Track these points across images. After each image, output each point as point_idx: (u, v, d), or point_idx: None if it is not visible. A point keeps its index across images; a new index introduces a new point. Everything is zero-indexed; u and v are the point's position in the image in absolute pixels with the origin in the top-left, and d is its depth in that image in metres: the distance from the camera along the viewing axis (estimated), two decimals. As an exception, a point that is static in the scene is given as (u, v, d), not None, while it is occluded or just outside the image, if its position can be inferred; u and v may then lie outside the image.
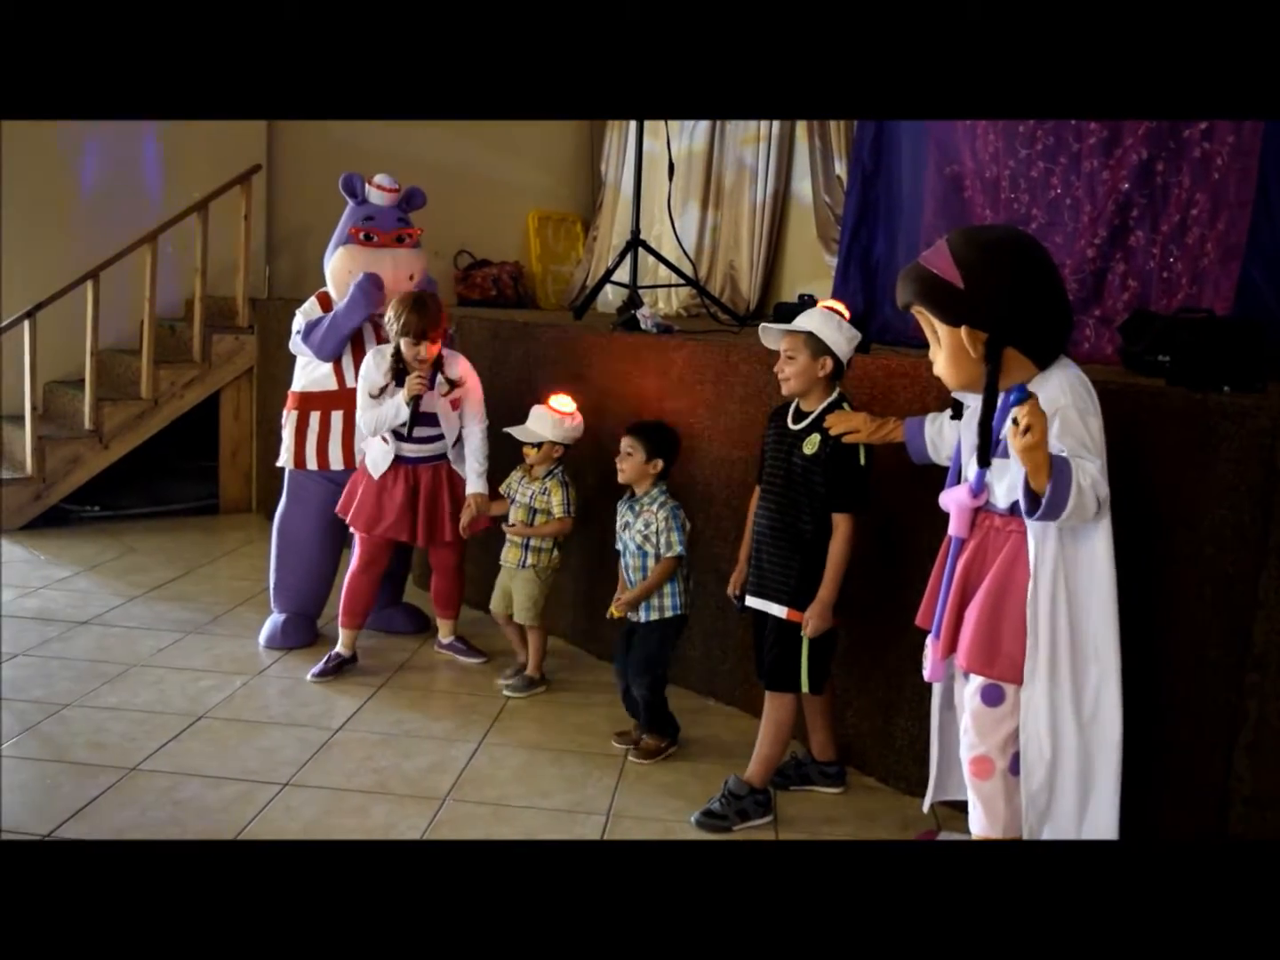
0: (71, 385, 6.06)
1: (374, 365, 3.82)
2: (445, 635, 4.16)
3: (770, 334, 2.96)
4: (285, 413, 4.19)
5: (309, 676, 3.84)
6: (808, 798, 3.13)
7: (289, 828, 2.84)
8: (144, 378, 5.91)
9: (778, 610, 2.92)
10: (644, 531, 3.28)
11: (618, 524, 3.39)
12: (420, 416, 3.80)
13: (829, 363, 2.88)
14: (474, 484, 3.88)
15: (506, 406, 3.98)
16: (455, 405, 3.86)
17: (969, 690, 2.36)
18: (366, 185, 4.09)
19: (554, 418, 3.71)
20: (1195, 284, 3.49)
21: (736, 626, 3.52)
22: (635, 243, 4.81)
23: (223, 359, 6.20)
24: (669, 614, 3.30)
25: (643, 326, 4.24)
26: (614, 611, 3.34)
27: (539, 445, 3.73)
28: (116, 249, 5.69)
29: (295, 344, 4.11)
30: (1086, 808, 2.25)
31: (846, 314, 2.96)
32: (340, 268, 4.05)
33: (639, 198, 4.88)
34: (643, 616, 3.31)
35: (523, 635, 3.87)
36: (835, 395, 2.93)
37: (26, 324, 5.48)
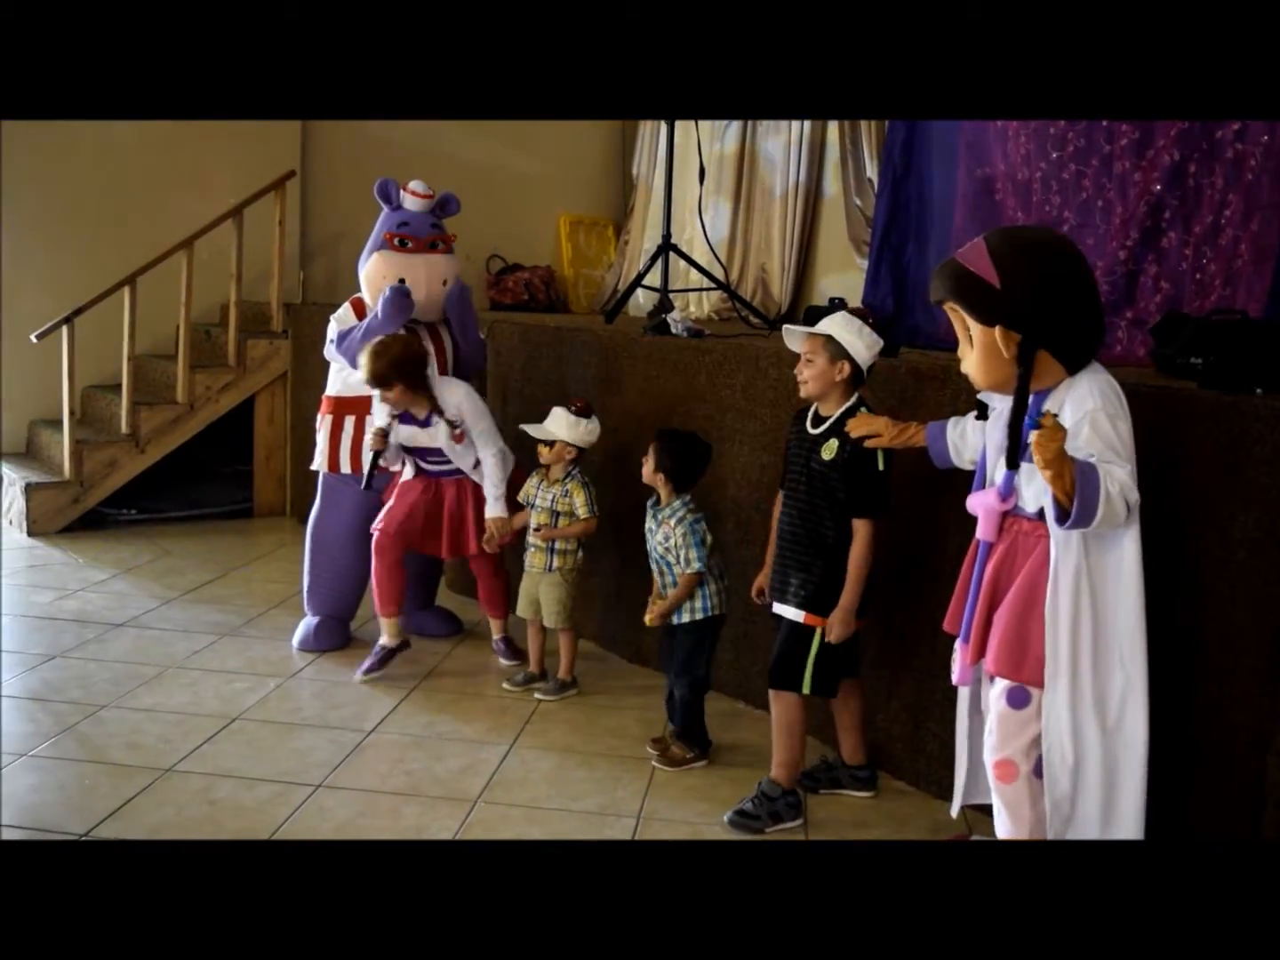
0: (109, 390, 6.14)
1: (376, 408, 3.91)
2: (495, 633, 4.17)
3: (793, 336, 2.97)
4: (319, 417, 4.23)
5: (357, 676, 3.86)
6: (838, 801, 3.13)
7: (322, 828, 2.86)
8: (180, 382, 5.97)
9: (794, 614, 2.94)
10: (664, 544, 3.32)
11: (646, 526, 3.42)
12: (426, 452, 3.91)
13: (846, 367, 2.88)
14: (492, 508, 3.90)
15: (536, 411, 3.99)
16: (460, 439, 3.88)
17: (994, 693, 2.35)
18: (401, 191, 4.12)
19: (570, 419, 3.73)
20: (1228, 286, 3.47)
21: (766, 630, 3.52)
22: (666, 247, 4.82)
23: (257, 364, 6.25)
24: (699, 615, 3.30)
25: (673, 330, 4.25)
26: (648, 621, 3.36)
27: (552, 445, 3.74)
28: (153, 255, 5.75)
29: (329, 350, 4.15)
30: (1111, 813, 2.23)
31: (870, 319, 2.96)
32: (374, 273, 4.09)
33: (670, 201, 4.89)
34: (676, 619, 3.32)
35: (543, 641, 3.89)
36: (854, 400, 2.92)
37: (65, 329, 5.55)
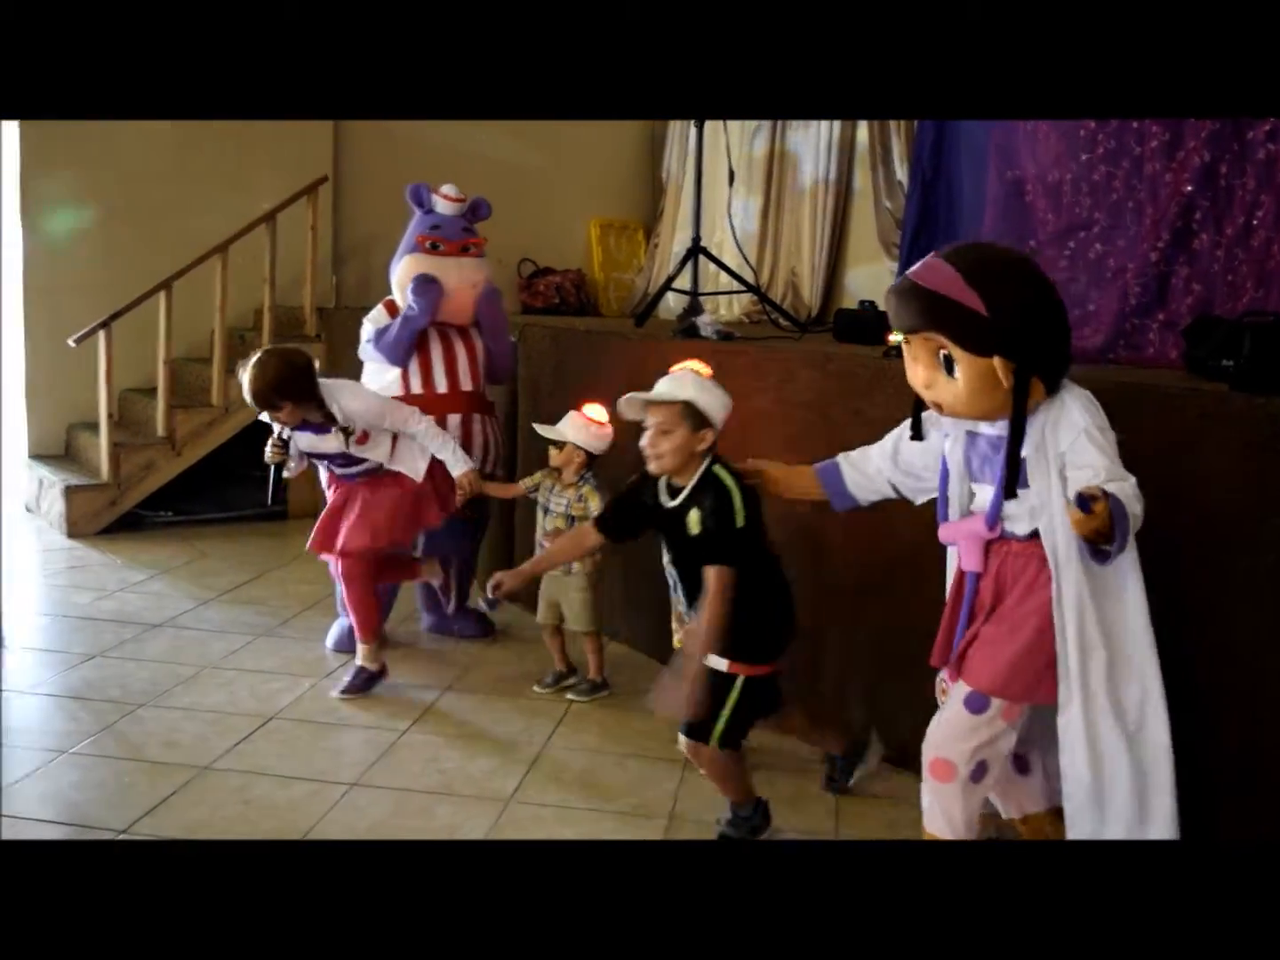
0: (146, 393, 6.20)
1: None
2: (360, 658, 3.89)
3: (634, 405, 2.74)
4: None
5: (334, 693, 3.78)
6: (874, 808, 3.13)
7: (356, 827, 2.90)
8: (215, 386, 6.04)
9: (718, 662, 2.71)
10: None
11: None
12: (342, 459, 3.79)
13: (709, 435, 2.68)
14: (458, 465, 3.82)
15: (570, 409, 4.00)
16: (365, 438, 3.76)
17: (954, 695, 2.31)
18: (433, 195, 4.17)
19: (582, 423, 3.74)
20: (1261, 287, 3.45)
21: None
22: (696, 250, 4.84)
23: (291, 367, 6.29)
24: None
25: (703, 333, 4.27)
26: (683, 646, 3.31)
27: (562, 447, 3.75)
28: (187, 259, 5.82)
29: (365, 351, 4.19)
30: (1146, 814, 2.23)
31: (709, 372, 2.78)
32: (406, 275, 4.13)
33: (700, 204, 4.91)
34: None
35: (562, 642, 3.90)
36: (708, 463, 2.71)
37: (102, 334, 5.62)
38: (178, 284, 5.76)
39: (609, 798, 3.12)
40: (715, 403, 2.70)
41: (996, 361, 2.13)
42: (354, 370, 4.44)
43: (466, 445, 4.09)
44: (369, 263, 6.81)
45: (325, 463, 3.88)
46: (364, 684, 3.82)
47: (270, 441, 3.69)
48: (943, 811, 2.32)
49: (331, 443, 3.72)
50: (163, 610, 4.58)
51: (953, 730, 2.30)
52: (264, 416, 3.71)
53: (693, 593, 2.74)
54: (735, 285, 5.26)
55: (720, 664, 2.71)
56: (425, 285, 4.03)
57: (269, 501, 3.89)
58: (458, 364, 4.20)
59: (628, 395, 2.73)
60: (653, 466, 2.73)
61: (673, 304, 5.95)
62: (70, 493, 5.71)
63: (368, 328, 4.19)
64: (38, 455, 6.34)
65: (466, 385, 4.22)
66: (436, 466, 3.89)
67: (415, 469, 3.86)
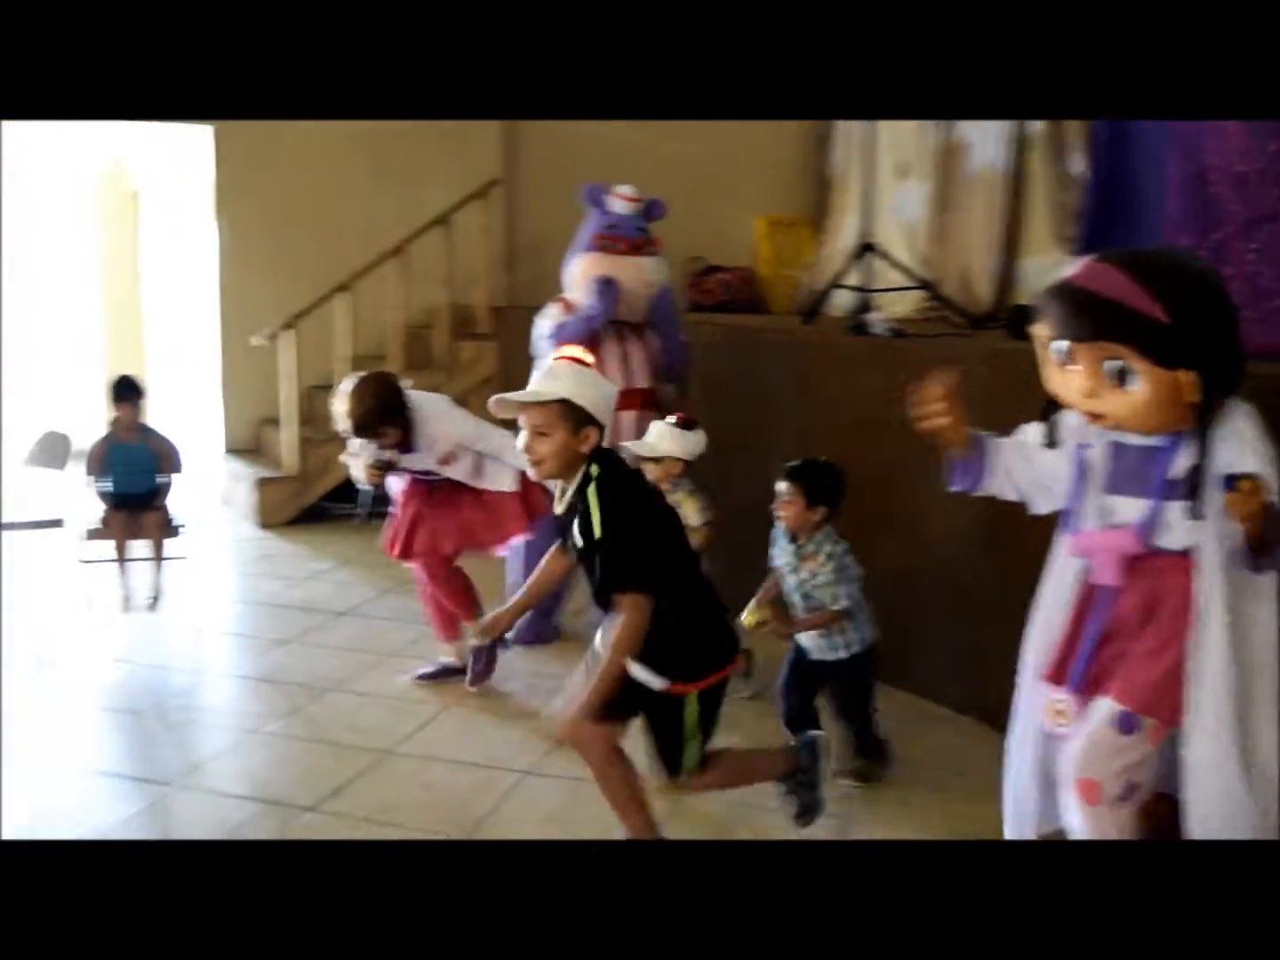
0: (329, 389, 6.44)
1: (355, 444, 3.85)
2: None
3: (508, 406, 2.47)
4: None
5: (406, 678, 3.88)
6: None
7: (530, 815, 2.99)
8: (395, 383, 6.23)
9: (657, 683, 2.47)
10: (811, 581, 3.11)
11: (775, 553, 3.21)
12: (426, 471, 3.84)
13: (594, 434, 2.43)
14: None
15: (736, 412, 4.02)
16: (449, 461, 3.81)
17: (1100, 712, 2.19)
18: (609, 195, 4.23)
19: (675, 433, 3.66)
20: None
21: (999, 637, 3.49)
22: (865, 247, 4.81)
23: (466, 366, 6.49)
24: (856, 649, 3.13)
25: (873, 330, 4.25)
26: (753, 623, 3.14)
27: (659, 461, 3.65)
28: (362, 259, 6.06)
29: (540, 348, 4.29)
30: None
31: (590, 360, 2.55)
32: (582, 274, 4.20)
33: (868, 200, 4.88)
34: (831, 653, 3.13)
35: None
36: (590, 466, 2.44)
37: (289, 334, 5.88)
38: (355, 284, 6.00)
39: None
40: (597, 397, 2.44)
41: (1182, 375, 2.02)
42: (526, 369, 4.55)
43: (629, 442, 4.16)
44: (541, 262, 6.94)
45: (403, 474, 3.92)
46: (439, 674, 3.90)
47: (366, 465, 3.78)
48: (1099, 834, 2.21)
49: (417, 461, 3.80)
50: (347, 598, 4.77)
51: (1099, 750, 2.17)
52: (352, 446, 3.81)
53: (605, 608, 2.49)
54: (906, 281, 5.20)
55: (660, 685, 2.46)
56: (604, 286, 4.09)
57: (367, 518, 3.91)
58: (632, 361, 4.26)
59: (497, 397, 2.48)
60: (532, 473, 2.50)
61: (842, 301, 5.93)
62: (261, 485, 5.99)
63: (543, 325, 4.28)
64: (232, 450, 6.67)
65: (640, 383, 4.27)
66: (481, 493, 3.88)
67: (503, 484, 3.87)
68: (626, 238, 4.19)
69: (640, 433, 4.22)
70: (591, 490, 2.40)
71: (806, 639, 3.16)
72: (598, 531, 2.37)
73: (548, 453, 2.41)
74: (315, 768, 3.22)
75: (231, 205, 6.57)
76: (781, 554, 3.17)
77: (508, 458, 3.79)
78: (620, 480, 2.47)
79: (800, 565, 3.12)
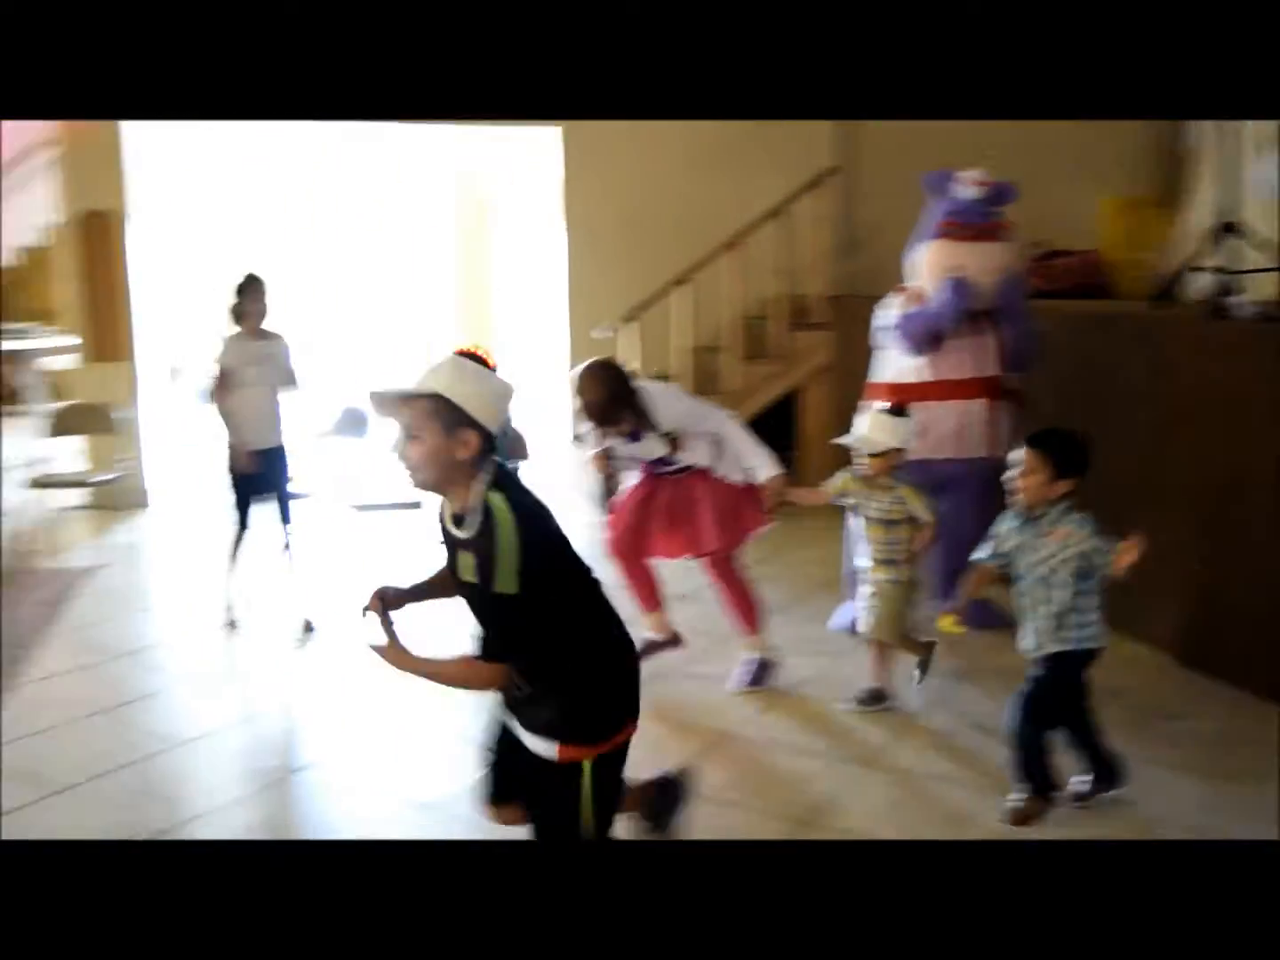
0: (668, 379, 6.65)
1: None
2: (749, 652, 3.90)
3: (387, 403, 2.10)
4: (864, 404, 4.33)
5: (732, 686, 3.83)
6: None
7: (858, 808, 2.98)
8: (729, 372, 6.36)
9: (546, 748, 2.15)
10: (1061, 555, 2.80)
11: (990, 544, 2.98)
12: (660, 460, 3.75)
13: (474, 440, 2.03)
14: (764, 471, 3.64)
15: (1079, 399, 3.85)
16: (678, 447, 3.68)
17: None
18: (955, 181, 4.15)
19: (891, 422, 3.48)
20: None
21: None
22: (1226, 226, 4.51)
23: (802, 355, 6.53)
24: (1091, 644, 2.85)
25: (1236, 314, 3.99)
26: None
27: (879, 454, 3.49)
28: (697, 251, 6.20)
29: (880, 338, 4.25)
30: None
31: (491, 359, 2.14)
32: (929, 261, 4.15)
33: (1229, 177, 4.56)
34: (1055, 645, 2.85)
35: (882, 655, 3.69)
36: (489, 481, 2.05)
37: (631, 326, 6.10)
38: (693, 277, 6.15)
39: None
40: (480, 396, 2.04)
41: None
42: (865, 357, 4.53)
43: (976, 431, 4.08)
44: (879, 250, 6.90)
45: (636, 464, 3.86)
46: (761, 673, 3.84)
47: (594, 455, 3.76)
48: None
49: (651, 448, 3.71)
50: (687, 581, 4.85)
51: None
52: (583, 432, 3.78)
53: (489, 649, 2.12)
54: (1270, 261, 4.84)
55: (549, 750, 2.15)
56: (957, 284, 4.00)
57: (607, 513, 3.92)
58: (978, 350, 4.17)
59: (374, 390, 2.16)
60: (410, 481, 2.12)
61: (1199, 284, 5.59)
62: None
63: (888, 313, 4.24)
64: (578, 438, 6.99)
65: (986, 371, 4.17)
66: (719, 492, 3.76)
67: (736, 471, 3.74)
68: (972, 223, 4.10)
69: (991, 423, 4.09)
70: (503, 536, 2.00)
71: (1030, 627, 2.88)
72: (503, 587, 2.00)
73: (418, 458, 2.05)
74: (655, 745, 3.25)
75: (578, 204, 6.88)
76: (1011, 537, 2.90)
77: (732, 440, 3.69)
78: (535, 525, 2.07)
79: (1042, 541, 2.82)
